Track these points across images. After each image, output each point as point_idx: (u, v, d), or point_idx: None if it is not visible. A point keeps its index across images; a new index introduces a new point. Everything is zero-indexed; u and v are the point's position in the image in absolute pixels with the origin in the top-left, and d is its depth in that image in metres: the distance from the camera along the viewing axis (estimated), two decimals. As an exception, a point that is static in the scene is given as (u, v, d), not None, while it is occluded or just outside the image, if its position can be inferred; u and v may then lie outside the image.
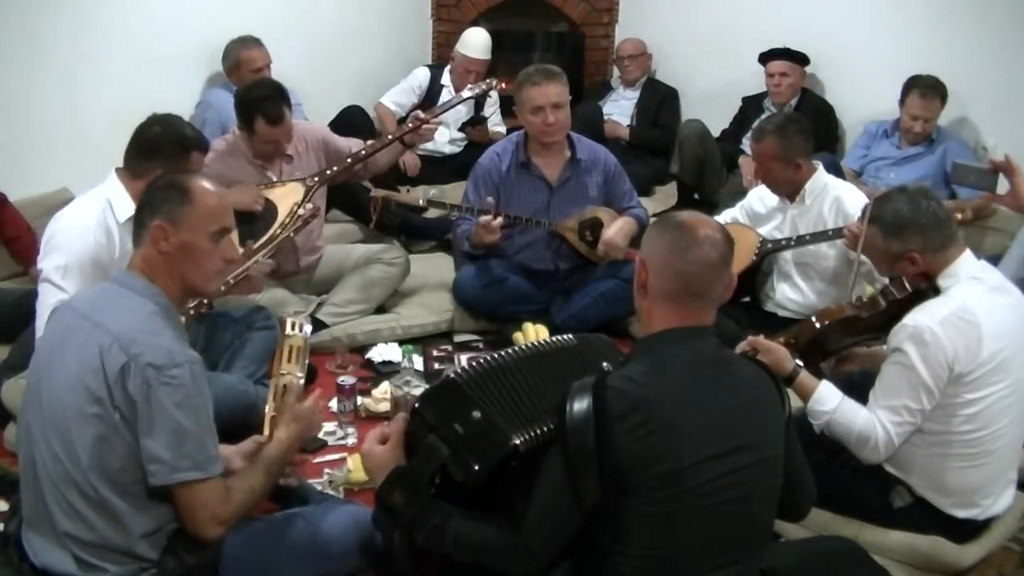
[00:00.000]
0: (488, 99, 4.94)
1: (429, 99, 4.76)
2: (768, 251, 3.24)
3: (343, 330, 3.42)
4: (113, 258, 2.51)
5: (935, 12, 4.21)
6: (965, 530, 2.19)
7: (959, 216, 2.58)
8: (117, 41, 3.92)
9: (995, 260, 2.83)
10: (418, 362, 3.31)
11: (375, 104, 4.79)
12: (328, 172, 3.38)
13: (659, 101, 5.13)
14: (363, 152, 3.47)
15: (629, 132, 5.02)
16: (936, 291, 2.19)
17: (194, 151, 2.55)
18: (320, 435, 2.78)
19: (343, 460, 2.61)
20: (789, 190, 3.18)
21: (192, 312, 2.59)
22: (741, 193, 3.79)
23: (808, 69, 4.58)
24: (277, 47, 4.24)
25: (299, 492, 2.26)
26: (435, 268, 3.95)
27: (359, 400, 2.92)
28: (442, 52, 5.35)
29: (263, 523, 1.94)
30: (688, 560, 1.56)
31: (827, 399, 2.22)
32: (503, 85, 3.96)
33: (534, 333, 3.09)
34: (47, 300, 2.40)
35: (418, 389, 3.03)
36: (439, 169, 4.72)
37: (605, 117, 5.03)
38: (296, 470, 2.25)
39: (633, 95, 5.19)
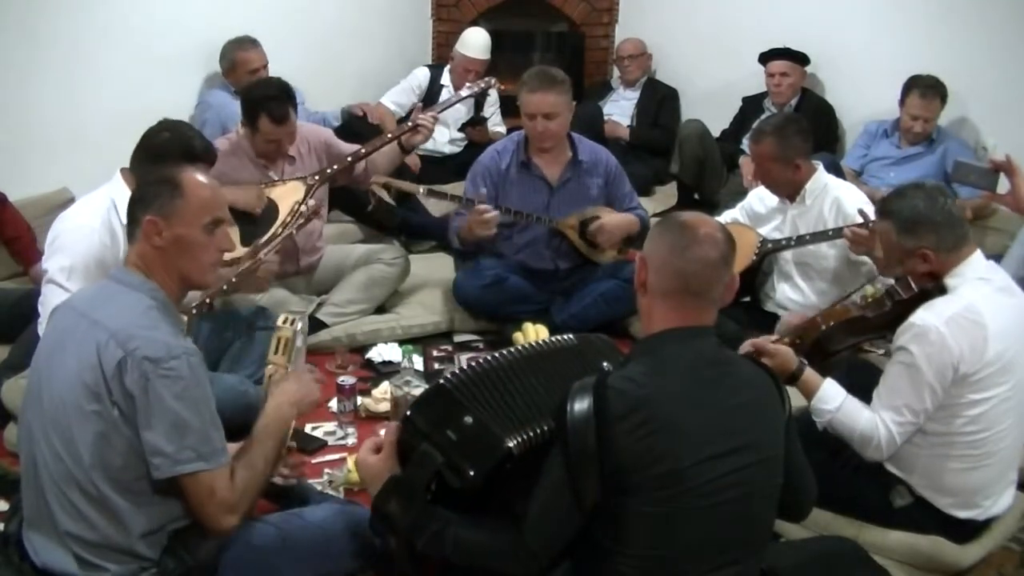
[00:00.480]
0: (488, 99, 4.94)
1: (429, 99, 4.76)
2: (768, 251, 3.24)
3: (343, 330, 3.42)
4: (117, 258, 2.51)
5: (935, 12, 4.21)
6: (965, 530, 2.19)
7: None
8: (117, 41, 3.92)
9: (995, 260, 2.83)
10: (418, 362, 3.31)
11: (375, 104, 4.79)
12: (328, 171, 3.38)
13: (659, 101, 5.13)
14: (363, 151, 3.47)
15: (629, 132, 5.02)
16: (942, 291, 2.18)
17: (199, 163, 2.54)
18: (320, 435, 2.79)
19: (343, 460, 2.61)
20: (789, 191, 3.18)
21: (195, 312, 2.59)
22: (741, 193, 3.79)
23: (808, 69, 4.58)
24: (277, 47, 4.24)
25: (299, 492, 2.26)
26: (435, 268, 3.95)
27: (359, 400, 2.92)
28: (442, 52, 5.35)
29: (263, 523, 1.94)
30: (688, 560, 1.56)
31: (831, 398, 2.22)
32: (502, 86, 3.95)
33: (534, 333, 3.09)
34: (52, 301, 2.40)
35: (418, 389, 3.03)
36: (439, 169, 4.71)
37: (605, 117, 5.03)
38: (296, 469, 2.25)
39: (633, 95, 5.19)
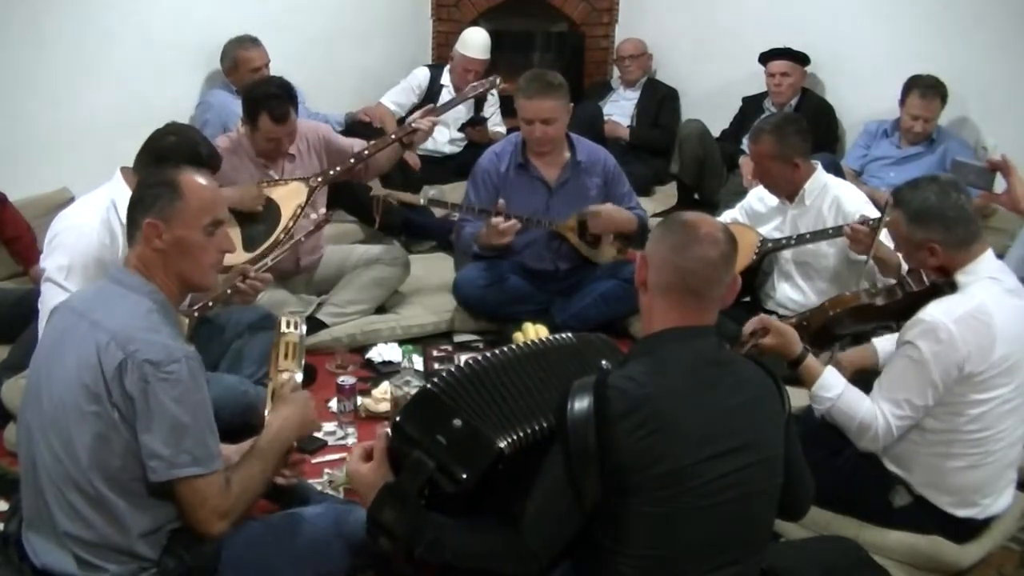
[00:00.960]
0: (488, 99, 4.94)
1: (429, 99, 4.75)
2: (768, 250, 3.24)
3: (343, 330, 3.42)
4: (116, 258, 2.51)
5: (935, 12, 4.21)
6: (965, 530, 2.19)
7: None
8: (117, 42, 3.92)
9: (996, 260, 2.84)
10: (418, 362, 3.31)
11: (375, 104, 4.79)
12: (331, 172, 3.39)
13: (659, 101, 5.13)
14: (365, 152, 3.47)
15: (629, 132, 5.02)
16: (953, 287, 2.18)
17: (203, 170, 2.53)
18: (320, 435, 2.79)
19: (343, 460, 2.61)
20: (788, 190, 3.18)
21: (196, 313, 2.59)
22: (741, 193, 3.79)
23: (808, 69, 4.58)
24: (277, 47, 4.24)
25: (299, 492, 2.26)
26: (435, 268, 3.96)
27: (359, 400, 2.92)
28: (442, 52, 5.35)
29: (263, 523, 1.94)
30: (688, 560, 1.56)
31: (831, 386, 2.22)
32: (505, 85, 3.94)
33: (534, 333, 3.08)
34: (50, 300, 2.40)
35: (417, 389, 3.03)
36: (439, 169, 4.72)
37: (605, 117, 5.03)
38: (296, 469, 2.24)
39: (633, 95, 5.19)
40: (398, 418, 1.71)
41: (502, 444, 1.62)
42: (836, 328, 2.45)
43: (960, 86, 3.99)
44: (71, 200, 3.55)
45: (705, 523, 1.55)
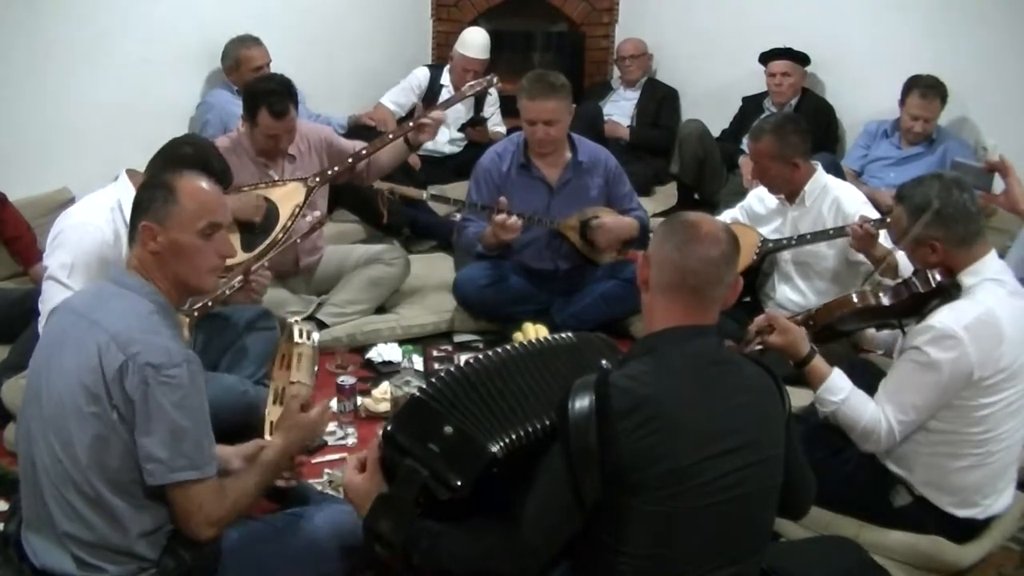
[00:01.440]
0: (488, 99, 4.94)
1: (429, 99, 4.76)
2: (769, 250, 3.24)
3: (343, 330, 3.42)
4: (120, 258, 2.51)
5: (935, 12, 4.21)
6: (965, 529, 2.19)
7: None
8: (117, 41, 3.92)
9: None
10: (418, 362, 3.31)
11: (375, 104, 4.79)
12: (329, 172, 3.38)
13: (659, 101, 5.13)
14: (363, 151, 3.47)
15: (629, 132, 5.02)
16: (958, 288, 2.17)
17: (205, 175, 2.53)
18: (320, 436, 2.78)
19: (343, 460, 2.61)
20: (787, 190, 3.18)
21: (196, 313, 2.59)
22: (741, 193, 3.79)
23: (808, 69, 4.58)
24: (277, 47, 4.24)
25: (299, 492, 2.26)
26: (435, 268, 3.96)
27: (359, 400, 2.92)
28: (442, 52, 5.35)
29: (263, 523, 1.94)
30: (688, 559, 1.56)
31: (838, 388, 2.21)
32: (503, 84, 3.94)
33: (534, 333, 3.08)
34: (52, 298, 2.40)
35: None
36: (439, 169, 4.72)
37: (605, 117, 5.03)
38: (296, 471, 2.24)
39: (633, 95, 5.19)
40: (388, 427, 1.69)
41: (494, 448, 1.60)
42: (840, 327, 2.45)
43: (960, 86, 3.99)
44: (71, 200, 3.56)
45: (705, 522, 1.55)
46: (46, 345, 1.85)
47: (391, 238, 4.21)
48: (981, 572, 2.23)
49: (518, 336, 3.09)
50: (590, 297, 3.47)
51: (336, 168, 3.40)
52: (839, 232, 3.01)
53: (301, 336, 1.99)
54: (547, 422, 1.63)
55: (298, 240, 3.12)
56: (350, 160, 3.44)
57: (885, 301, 2.33)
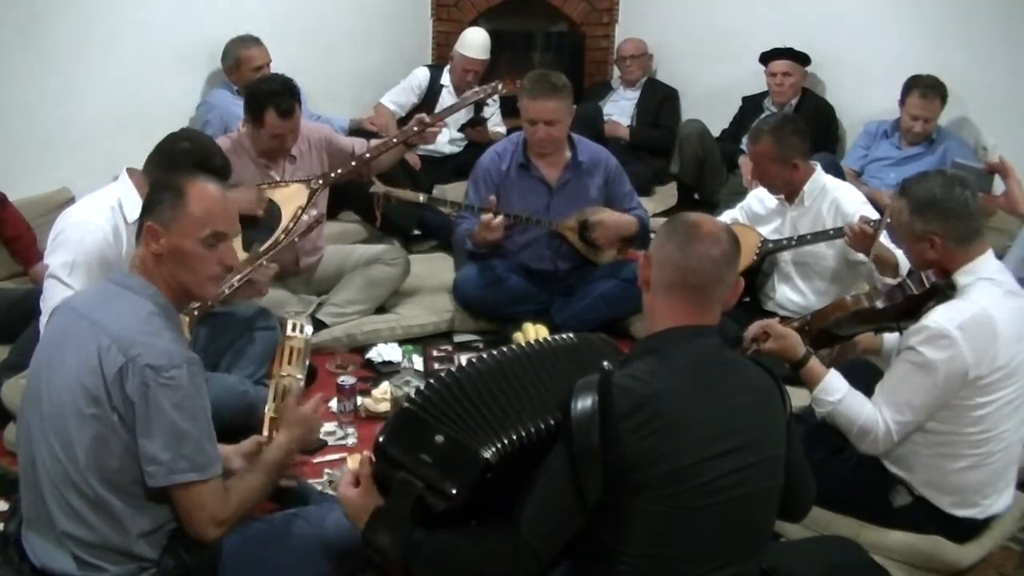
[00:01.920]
0: (488, 103, 4.93)
1: (429, 99, 4.76)
2: (769, 251, 3.24)
3: (343, 330, 3.42)
4: (120, 257, 2.51)
5: (935, 12, 4.21)
6: (965, 529, 2.19)
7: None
8: (117, 41, 3.92)
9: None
10: (418, 362, 3.31)
11: (375, 105, 4.79)
12: (332, 175, 3.38)
13: (659, 101, 5.13)
14: (367, 155, 3.47)
15: (629, 132, 5.02)
16: (952, 288, 2.17)
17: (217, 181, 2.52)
18: (320, 435, 2.78)
19: (343, 460, 2.61)
20: (787, 190, 3.18)
21: (196, 313, 2.59)
22: (741, 193, 3.79)
23: (808, 69, 4.58)
24: (277, 47, 4.24)
25: (299, 492, 2.26)
26: (435, 268, 3.96)
27: (359, 400, 2.92)
28: (442, 52, 5.35)
29: (263, 523, 1.94)
30: (689, 559, 1.56)
31: (834, 389, 2.22)
32: (509, 86, 3.92)
33: (534, 333, 3.08)
34: (53, 297, 2.40)
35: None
36: (439, 169, 4.72)
37: (605, 117, 5.03)
38: (296, 470, 2.24)
39: (633, 95, 5.19)
40: (380, 439, 1.66)
41: (487, 454, 1.58)
42: (837, 331, 2.45)
43: (960, 86, 3.99)
44: (71, 200, 3.55)
45: (706, 522, 1.55)
46: (47, 345, 1.85)
47: (391, 238, 4.21)
48: (981, 572, 2.23)
49: (518, 336, 3.09)
50: (590, 297, 3.47)
51: (339, 171, 3.40)
52: (838, 232, 3.01)
53: (294, 330, 1.98)
54: (542, 425, 1.62)
55: (296, 239, 3.12)
56: (353, 164, 3.44)
57: (879, 304, 2.34)
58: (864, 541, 2.16)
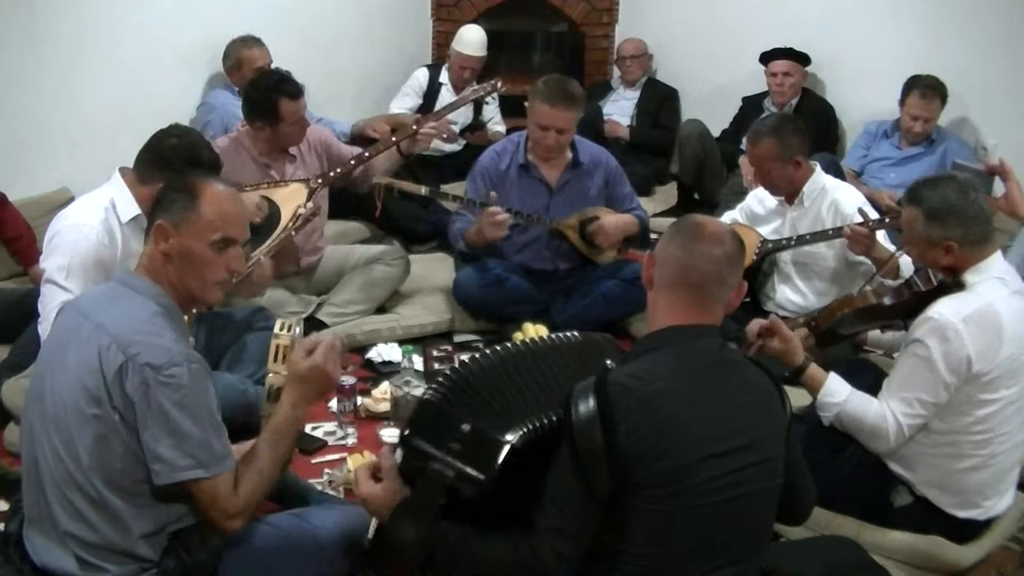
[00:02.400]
0: (488, 101, 4.93)
1: (429, 98, 4.77)
2: (769, 251, 3.24)
3: (343, 330, 3.41)
4: (116, 258, 2.51)
5: (935, 12, 4.21)
6: (965, 530, 2.19)
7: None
8: (117, 41, 3.92)
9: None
10: (418, 362, 3.31)
11: (380, 112, 4.76)
12: (331, 174, 3.38)
13: (659, 101, 5.13)
14: (366, 154, 3.47)
15: (629, 132, 5.02)
16: (960, 286, 2.17)
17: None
18: (320, 435, 2.79)
19: (343, 460, 2.61)
20: (789, 190, 3.18)
21: (195, 312, 2.59)
22: (741, 193, 3.79)
23: (808, 69, 4.58)
24: (276, 47, 4.24)
25: (299, 492, 2.26)
26: (435, 268, 3.95)
27: (359, 400, 2.92)
28: (442, 52, 5.35)
29: (262, 523, 1.94)
30: (689, 559, 1.56)
31: (836, 391, 2.22)
32: (508, 85, 3.91)
33: (534, 333, 3.08)
34: (51, 301, 2.40)
35: (418, 389, 3.03)
36: (440, 169, 4.72)
37: (605, 117, 5.03)
38: (296, 470, 2.22)
39: (633, 95, 5.19)
40: (407, 433, 1.67)
41: (512, 438, 1.59)
42: (843, 328, 2.45)
43: (960, 86, 3.99)
44: (71, 200, 3.55)
45: (706, 521, 1.55)
46: (51, 344, 1.85)
47: (391, 238, 4.21)
48: (981, 572, 2.23)
49: (518, 336, 3.08)
50: (590, 297, 3.47)
51: (338, 169, 3.40)
52: (838, 233, 3.01)
53: (282, 328, 1.98)
54: (554, 416, 1.62)
55: (292, 232, 3.11)
56: (352, 162, 3.44)
57: (887, 301, 2.33)
58: (864, 541, 2.16)
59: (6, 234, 3.38)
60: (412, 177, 4.33)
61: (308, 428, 2.80)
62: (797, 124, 3.16)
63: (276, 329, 1.98)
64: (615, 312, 3.46)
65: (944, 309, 2.10)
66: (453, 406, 1.64)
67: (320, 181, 3.34)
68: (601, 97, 5.24)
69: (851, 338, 2.52)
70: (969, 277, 2.17)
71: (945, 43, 4.13)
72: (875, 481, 2.23)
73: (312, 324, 3.32)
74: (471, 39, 4.74)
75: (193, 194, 1.83)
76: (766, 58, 4.57)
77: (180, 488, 1.72)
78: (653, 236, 3.77)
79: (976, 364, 2.07)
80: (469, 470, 1.58)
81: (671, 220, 2.05)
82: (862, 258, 3.00)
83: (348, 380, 2.89)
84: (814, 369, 2.26)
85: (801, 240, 3.14)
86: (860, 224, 2.89)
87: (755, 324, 2.29)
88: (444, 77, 4.83)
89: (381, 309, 3.59)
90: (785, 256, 3.25)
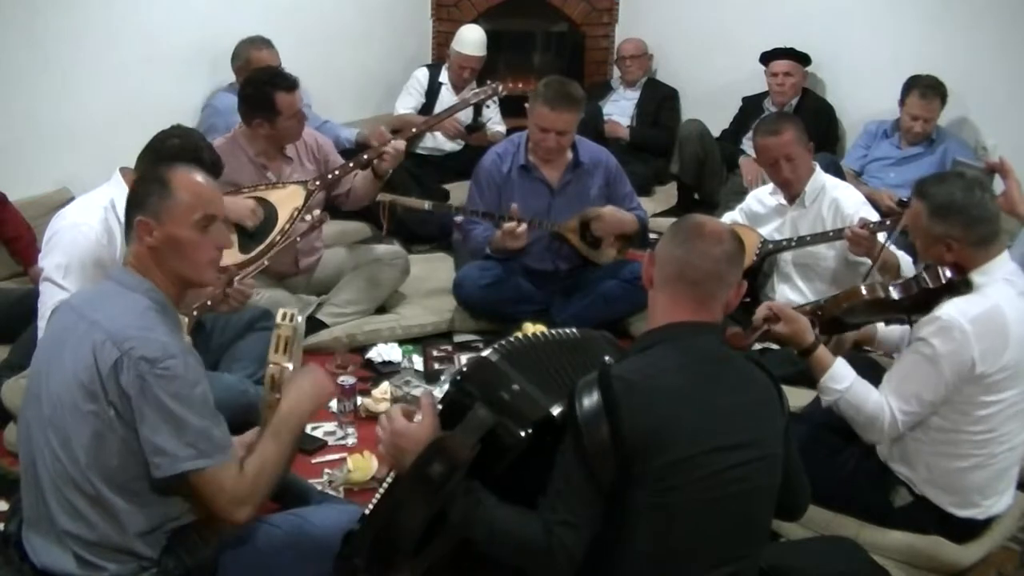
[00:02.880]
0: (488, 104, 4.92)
1: (429, 98, 4.77)
2: (769, 251, 3.24)
3: (343, 330, 3.42)
4: (115, 258, 2.51)
5: (935, 12, 4.21)
6: (965, 530, 2.19)
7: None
8: (118, 42, 3.91)
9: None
10: (418, 362, 3.32)
11: (396, 116, 4.75)
12: (328, 176, 3.38)
13: (659, 101, 5.13)
14: (365, 156, 3.46)
15: (629, 132, 5.02)
16: (969, 286, 2.16)
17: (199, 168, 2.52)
18: (320, 435, 2.79)
19: (343, 460, 2.62)
20: (805, 179, 3.14)
21: (196, 313, 2.58)
22: (741, 193, 3.79)
23: (808, 69, 4.58)
24: (277, 47, 4.24)
25: (299, 492, 2.26)
26: (435, 268, 3.96)
27: (359, 400, 2.92)
28: (442, 52, 5.35)
29: (262, 523, 1.94)
30: (688, 556, 1.57)
31: (841, 377, 2.21)
32: (509, 86, 3.90)
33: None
34: (49, 300, 2.40)
35: (418, 389, 3.04)
36: (440, 168, 4.72)
37: (605, 117, 5.03)
38: (296, 470, 2.22)
39: (633, 95, 5.19)
40: (460, 376, 1.70)
41: (555, 411, 1.62)
42: (849, 319, 2.44)
43: (960, 86, 3.99)
44: (71, 200, 3.54)
45: (705, 518, 1.55)
46: (47, 344, 1.86)
47: (391, 238, 4.21)
48: (981, 572, 2.23)
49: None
50: (590, 297, 3.47)
51: (336, 172, 3.40)
52: (838, 234, 3.00)
53: (284, 319, 1.98)
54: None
55: (297, 239, 3.12)
56: (351, 163, 3.43)
57: (895, 295, 2.32)
58: (864, 541, 2.16)
59: (6, 234, 3.38)
60: (412, 177, 4.33)
61: (308, 428, 2.79)
62: (794, 117, 3.16)
63: (278, 319, 1.98)
64: (615, 312, 3.46)
65: (951, 310, 2.10)
66: (509, 369, 1.68)
67: (318, 183, 3.33)
68: (601, 97, 5.23)
69: (856, 328, 2.51)
70: (977, 278, 2.16)
71: (945, 43, 4.13)
72: (875, 481, 2.23)
73: (312, 324, 3.33)
74: (471, 39, 4.74)
75: (164, 183, 1.85)
76: (766, 58, 4.56)
77: (182, 481, 1.72)
78: (653, 236, 3.77)
79: (980, 366, 2.07)
80: (513, 422, 1.60)
81: (671, 220, 2.06)
82: (863, 259, 2.99)
83: (348, 380, 2.90)
84: (823, 351, 2.25)
85: (802, 241, 3.14)
86: (861, 227, 2.88)
87: (763, 308, 2.30)
88: (444, 77, 4.83)
89: (381, 309, 3.59)
90: (785, 256, 3.25)
